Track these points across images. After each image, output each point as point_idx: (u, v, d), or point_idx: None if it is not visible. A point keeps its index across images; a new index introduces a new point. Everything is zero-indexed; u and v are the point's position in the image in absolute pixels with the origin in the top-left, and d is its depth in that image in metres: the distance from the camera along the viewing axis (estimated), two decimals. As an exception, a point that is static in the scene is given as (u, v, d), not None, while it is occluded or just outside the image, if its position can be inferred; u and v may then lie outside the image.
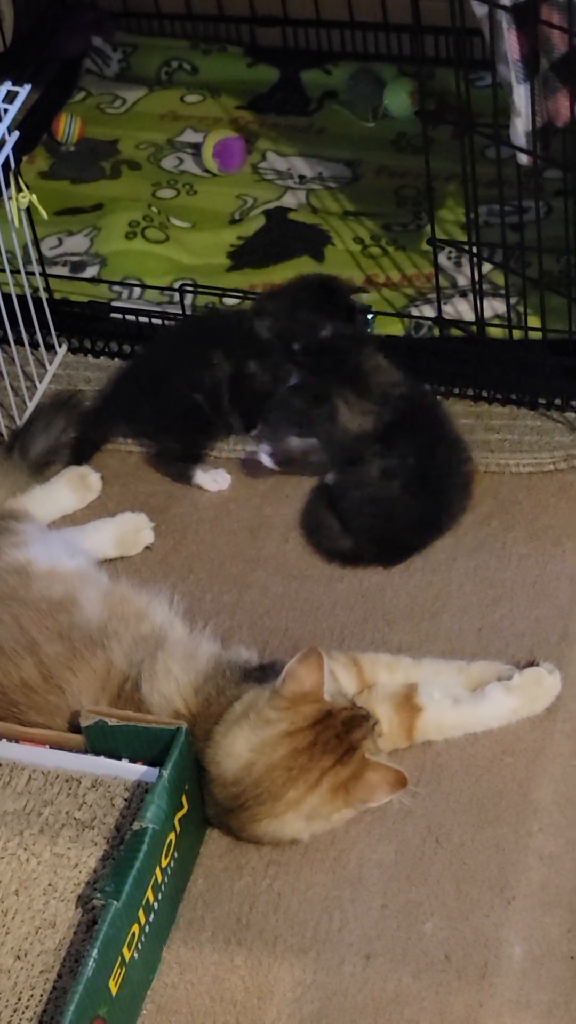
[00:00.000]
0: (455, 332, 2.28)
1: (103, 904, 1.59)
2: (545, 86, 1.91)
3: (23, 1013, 1.59)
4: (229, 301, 2.39)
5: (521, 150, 1.98)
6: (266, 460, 2.11)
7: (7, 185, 2.17)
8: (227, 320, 2.26)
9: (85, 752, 1.76)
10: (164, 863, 1.67)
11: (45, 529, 2.07)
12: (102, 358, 2.40)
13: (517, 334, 2.22)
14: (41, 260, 2.33)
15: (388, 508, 2.02)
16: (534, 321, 2.21)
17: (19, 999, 1.60)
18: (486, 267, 2.26)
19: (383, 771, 1.69)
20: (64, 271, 2.48)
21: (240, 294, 2.38)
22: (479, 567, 2.04)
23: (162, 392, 2.16)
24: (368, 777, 1.69)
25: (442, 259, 2.37)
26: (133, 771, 1.75)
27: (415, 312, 2.33)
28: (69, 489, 2.17)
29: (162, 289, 2.43)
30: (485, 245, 2.23)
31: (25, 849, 1.71)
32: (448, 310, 2.29)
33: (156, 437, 2.20)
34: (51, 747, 1.77)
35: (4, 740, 1.78)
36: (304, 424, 2.06)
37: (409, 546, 2.04)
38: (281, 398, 2.10)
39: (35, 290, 2.32)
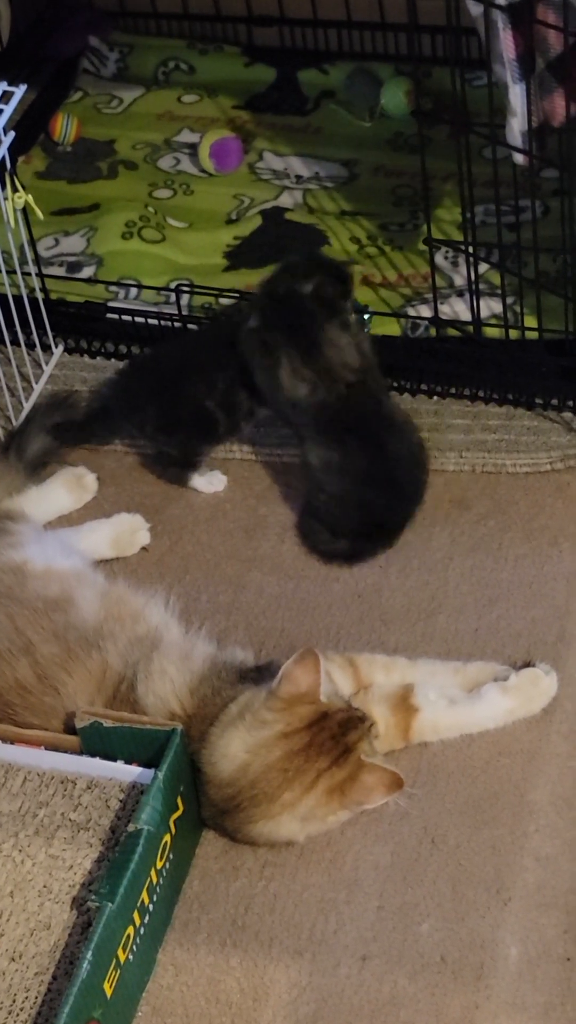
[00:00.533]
0: (452, 332, 2.27)
1: (98, 906, 1.58)
2: (541, 86, 1.91)
3: (18, 1015, 1.59)
4: (225, 301, 2.39)
5: (517, 150, 1.97)
6: None
7: (3, 185, 2.16)
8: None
9: (80, 753, 1.76)
10: (159, 865, 1.67)
11: (41, 530, 2.06)
12: (98, 358, 2.40)
13: (514, 334, 2.21)
14: (37, 260, 2.32)
15: (356, 501, 2.00)
16: (531, 321, 2.20)
17: (14, 1001, 1.60)
18: (483, 267, 2.26)
19: (379, 773, 1.69)
20: (60, 271, 2.48)
21: (237, 294, 2.38)
22: (475, 567, 2.04)
23: (169, 395, 2.15)
24: (364, 779, 1.68)
25: (439, 259, 2.36)
26: (128, 772, 1.74)
27: (412, 312, 2.33)
28: (65, 490, 2.17)
29: (159, 289, 2.42)
30: (482, 245, 2.23)
31: (20, 851, 1.71)
32: (445, 310, 2.29)
33: (155, 440, 2.19)
34: (46, 748, 1.77)
35: (-1, 741, 1.78)
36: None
37: (395, 526, 2.03)
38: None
39: (31, 290, 2.32)
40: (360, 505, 2.02)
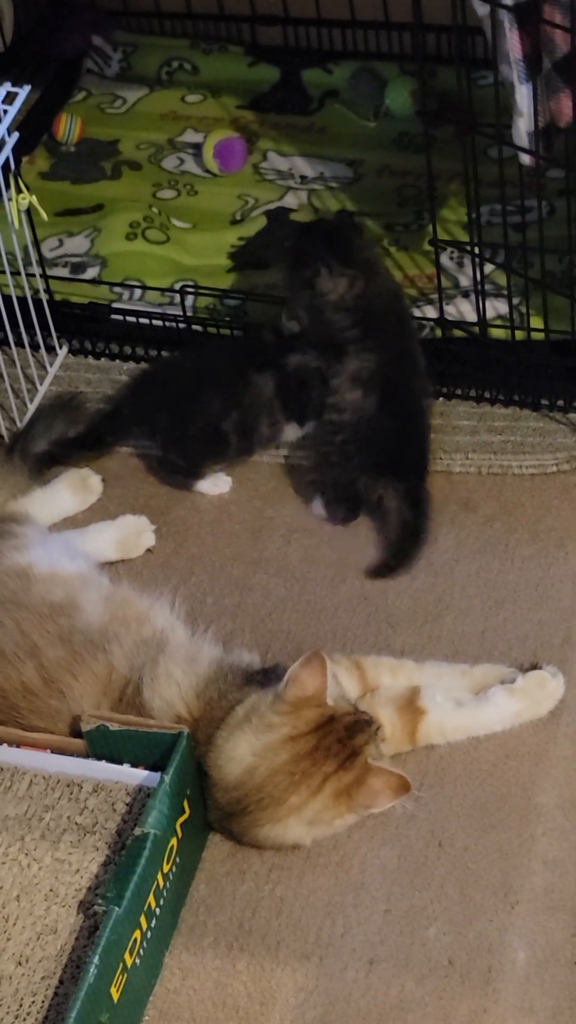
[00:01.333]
0: (457, 333, 2.27)
1: (104, 910, 1.58)
2: (548, 86, 1.90)
3: (24, 1020, 1.58)
4: (230, 302, 2.39)
5: (524, 150, 1.97)
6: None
7: (7, 186, 2.16)
8: (263, 340, 2.18)
9: (86, 757, 1.76)
10: (166, 868, 1.67)
11: (46, 532, 2.06)
12: (103, 360, 2.40)
13: (520, 335, 2.21)
14: (41, 261, 2.32)
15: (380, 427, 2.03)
16: (536, 322, 2.20)
17: (20, 1005, 1.59)
18: (488, 267, 2.25)
19: (386, 776, 1.68)
20: (64, 272, 2.47)
21: (241, 295, 2.37)
22: (482, 569, 2.03)
23: (184, 408, 2.13)
24: (371, 782, 1.68)
25: (444, 259, 2.36)
26: (135, 776, 1.74)
27: (417, 313, 2.32)
28: (70, 491, 2.17)
29: (163, 290, 2.42)
30: (487, 245, 2.22)
31: (26, 854, 1.70)
32: (450, 311, 2.29)
33: (164, 448, 2.17)
34: (52, 752, 1.77)
35: (5, 744, 1.78)
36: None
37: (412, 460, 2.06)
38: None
39: (35, 291, 2.31)
40: (380, 432, 2.03)
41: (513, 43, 1.86)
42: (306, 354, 2.09)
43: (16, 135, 2.15)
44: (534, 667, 1.87)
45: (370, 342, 2.07)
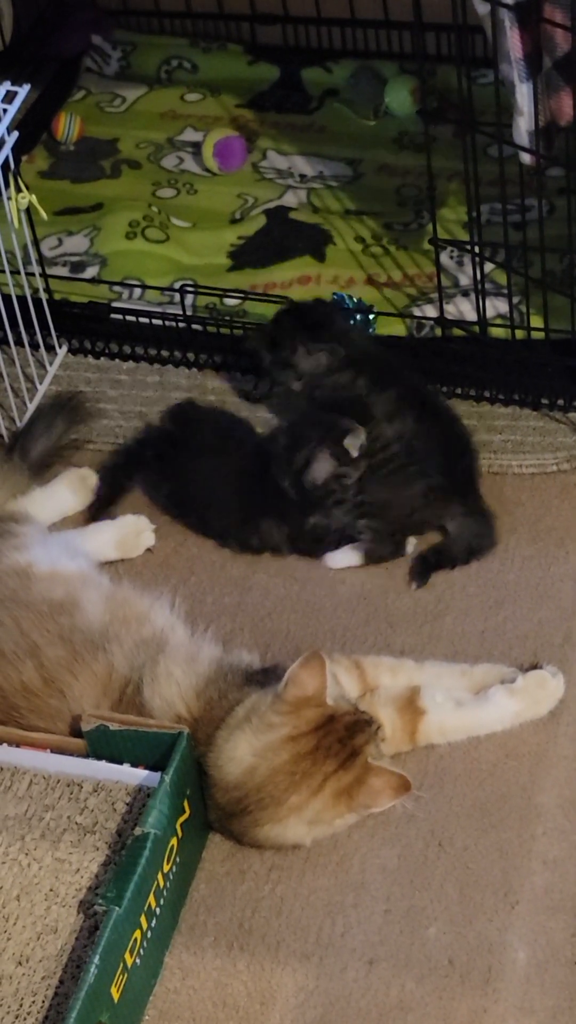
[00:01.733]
0: (457, 332, 2.27)
1: (105, 910, 1.58)
2: (548, 85, 1.90)
3: (25, 1019, 1.58)
4: (230, 302, 2.38)
5: (524, 149, 1.97)
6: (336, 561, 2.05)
7: (7, 185, 2.16)
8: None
9: (86, 756, 1.76)
10: (166, 868, 1.67)
11: (45, 531, 2.06)
12: (102, 359, 2.39)
13: (520, 334, 2.21)
14: (41, 260, 2.32)
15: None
16: (537, 321, 2.20)
17: (21, 1005, 1.59)
18: (488, 266, 2.25)
19: (386, 776, 1.68)
20: (64, 271, 2.47)
21: (241, 294, 2.37)
22: (481, 569, 2.03)
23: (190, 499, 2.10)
24: (371, 782, 1.68)
25: (444, 258, 2.36)
26: (135, 776, 1.74)
27: (417, 312, 2.32)
28: (70, 491, 2.16)
29: (162, 289, 2.42)
30: (487, 244, 2.22)
31: (26, 854, 1.70)
32: (450, 310, 2.28)
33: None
34: (52, 751, 1.77)
35: (5, 744, 1.78)
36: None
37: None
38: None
39: (35, 291, 2.31)
40: (433, 442, 2.03)
41: (514, 42, 1.86)
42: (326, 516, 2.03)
43: (16, 134, 2.14)
44: (534, 667, 1.87)
45: (380, 385, 2.06)
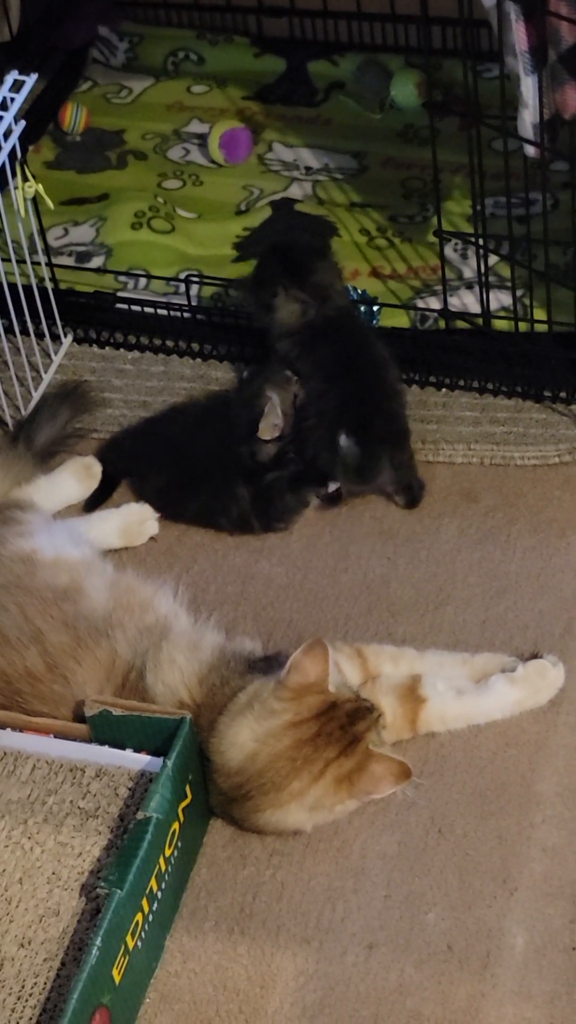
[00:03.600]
0: (461, 324, 2.27)
1: (107, 893, 1.59)
2: (553, 78, 1.91)
3: (27, 1001, 1.59)
4: (235, 292, 2.39)
5: (529, 142, 1.97)
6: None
7: (14, 175, 2.17)
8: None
9: (89, 742, 1.77)
10: (168, 852, 1.68)
11: (50, 519, 2.06)
12: (107, 348, 2.40)
13: (523, 326, 2.21)
14: (47, 250, 2.33)
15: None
16: (540, 314, 2.20)
17: (23, 987, 1.60)
18: (492, 259, 2.26)
19: (387, 762, 1.69)
20: (70, 261, 2.48)
21: (246, 285, 2.38)
22: (483, 559, 2.04)
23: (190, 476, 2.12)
24: (372, 768, 1.69)
25: (448, 251, 2.36)
26: (137, 761, 1.75)
27: (421, 304, 2.33)
28: (74, 479, 2.17)
29: (168, 280, 2.42)
30: (491, 237, 2.23)
31: (29, 838, 1.72)
32: (454, 302, 2.29)
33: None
34: (55, 736, 1.78)
35: (9, 729, 1.79)
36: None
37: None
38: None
39: (41, 280, 2.32)
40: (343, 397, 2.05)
41: (519, 35, 1.86)
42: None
43: (23, 123, 2.15)
44: (535, 656, 1.88)
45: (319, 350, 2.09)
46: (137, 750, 1.75)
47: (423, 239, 2.44)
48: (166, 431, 2.17)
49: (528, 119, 1.94)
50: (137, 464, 2.17)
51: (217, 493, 2.09)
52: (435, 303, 2.30)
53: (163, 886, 1.67)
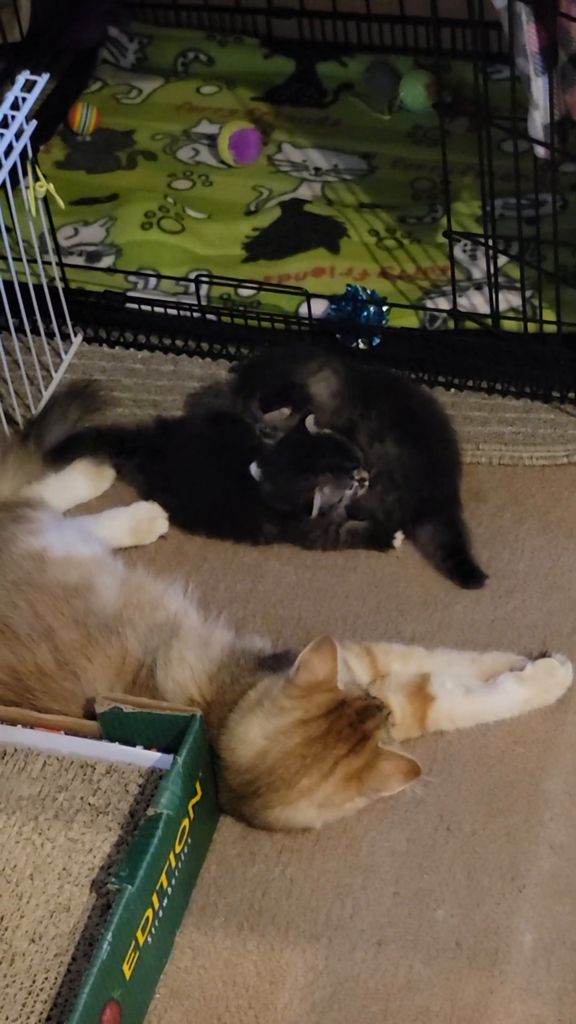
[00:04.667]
0: (470, 325, 2.28)
1: (117, 889, 1.60)
2: (564, 79, 1.92)
3: (38, 995, 1.60)
4: (244, 292, 2.40)
5: (539, 143, 1.98)
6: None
7: (25, 174, 2.17)
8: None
9: (100, 738, 1.77)
10: (178, 849, 1.68)
11: (60, 517, 2.07)
12: (117, 348, 2.41)
13: (532, 327, 2.22)
14: (57, 249, 2.34)
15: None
16: (549, 314, 2.21)
17: (34, 982, 1.61)
18: (501, 260, 2.26)
19: (396, 760, 1.70)
20: (80, 261, 2.49)
21: (255, 285, 2.39)
22: (492, 559, 2.05)
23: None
24: (381, 766, 1.70)
25: (457, 252, 2.37)
26: (147, 758, 1.76)
27: (430, 304, 2.33)
28: (84, 478, 2.18)
29: (177, 279, 2.43)
30: (501, 238, 2.23)
31: (40, 834, 1.72)
32: (463, 303, 2.30)
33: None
34: (66, 733, 1.79)
35: (19, 726, 1.80)
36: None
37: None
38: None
39: (51, 279, 2.33)
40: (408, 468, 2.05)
41: (530, 36, 1.87)
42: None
43: (34, 123, 2.16)
44: (543, 655, 1.88)
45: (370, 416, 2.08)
46: (147, 747, 1.76)
47: (432, 240, 2.45)
48: (181, 456, 2.13)
49: (539, 120, 1.95)
50: (152, 484, 2.15)
51: (241, 529, 2.09)
52: (444, 304, 2.31)
53: (173, 882, 1.68)
